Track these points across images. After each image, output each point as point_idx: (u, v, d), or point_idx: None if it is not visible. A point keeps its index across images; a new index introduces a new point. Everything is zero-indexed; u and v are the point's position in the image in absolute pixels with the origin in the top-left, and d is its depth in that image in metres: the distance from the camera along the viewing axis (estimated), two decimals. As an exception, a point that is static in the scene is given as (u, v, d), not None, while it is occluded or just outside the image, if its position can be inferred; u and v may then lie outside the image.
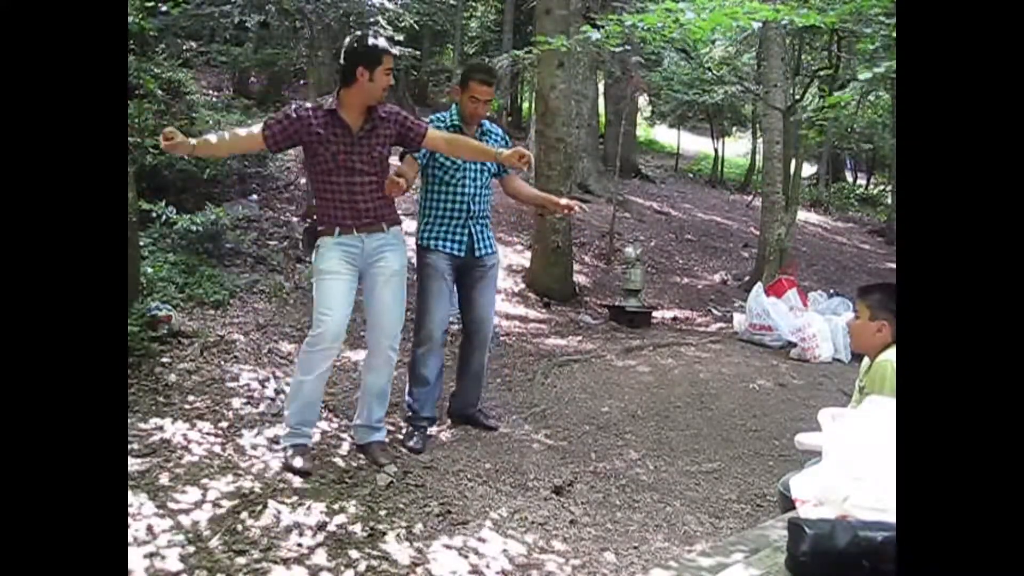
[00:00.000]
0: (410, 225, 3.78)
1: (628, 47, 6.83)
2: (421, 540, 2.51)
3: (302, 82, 9.86)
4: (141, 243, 4.57)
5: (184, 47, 9.31)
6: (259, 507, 2.56)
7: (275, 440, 3.13)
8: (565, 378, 4.67)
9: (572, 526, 2.78)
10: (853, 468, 1.53)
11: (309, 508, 2.60)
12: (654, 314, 6.94)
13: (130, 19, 4.14)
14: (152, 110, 5.54)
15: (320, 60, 7.08)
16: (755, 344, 6.07)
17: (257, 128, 2.96)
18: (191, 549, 2.27)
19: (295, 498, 2.66)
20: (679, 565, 1.92)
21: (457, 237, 3.46)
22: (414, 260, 3.59)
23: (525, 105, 16.68)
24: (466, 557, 2.45)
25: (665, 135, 19.96)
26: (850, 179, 20.09)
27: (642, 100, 16.48)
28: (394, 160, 3.29)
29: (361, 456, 3.08)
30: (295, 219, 6.37)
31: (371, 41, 2.90)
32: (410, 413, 3.48)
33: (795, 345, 5.88)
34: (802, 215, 12.55)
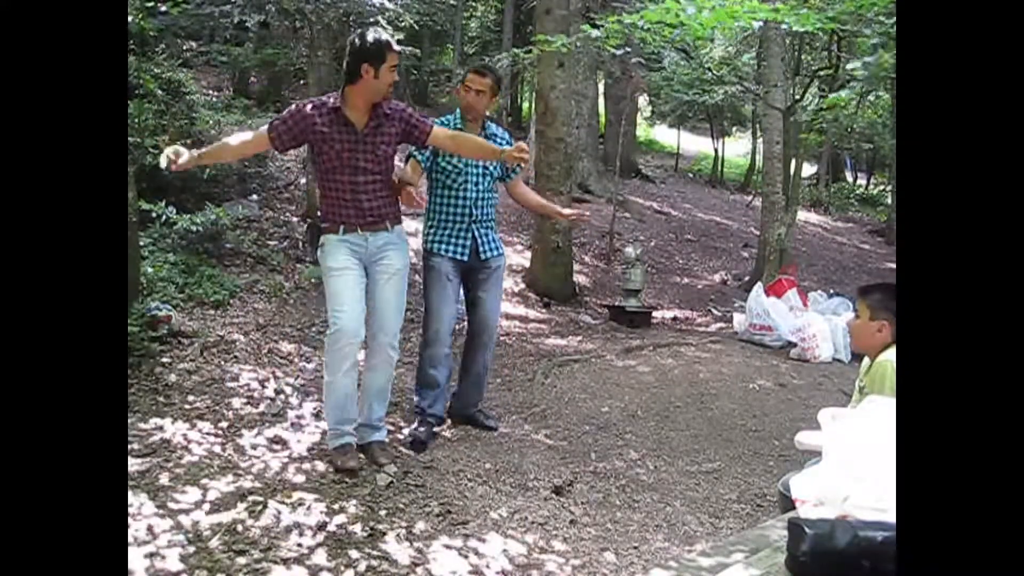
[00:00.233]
0: (410, 225, 3.78)
1: (628, 47, 6.83)
2: (421, 540, 2.51)
3: (302, 82, 9.85)
4: (141, 243, 4.57)
5: (184, 47, 9.32)
6: (259, 507, 2.56)
7: (275, 440, 3.14)
8: (565, 378, 4.67)
9: (572, 526, 2.78)
10: (853, 468, 1.53)
11: (309, 508, 2.60)
12: (654, 314, 6.94)
13: (130, 19, 4.14)
14: (152, 110, 5.53)
15: (320, 60, 7.07)
16: (755, 344, 6.07)
17: (263, 130, 2.98)
18: (191, 549, 2.27)
19: (295, 498, 2.66)
20: (679, 565, 1.92)
21: (461, 241, 3.47)
22: (418, 261, 3.59)
23: (525, 105, 16.68)
24: (466, 557, 2.45)
25: (665, 135, 19.96)
26: (850, 179, 20.08)
27: (642, 100, 16.48)
28: (398, 163, 3.29)
29: (361, 456, 3.08)
30: (295, 219, 6.37)
31: (376, 37, 2.90)
32: (419, 411, 3.51)
33: (795, 345, 5.88)
34: (802, 215, 12.55)
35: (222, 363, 3.86)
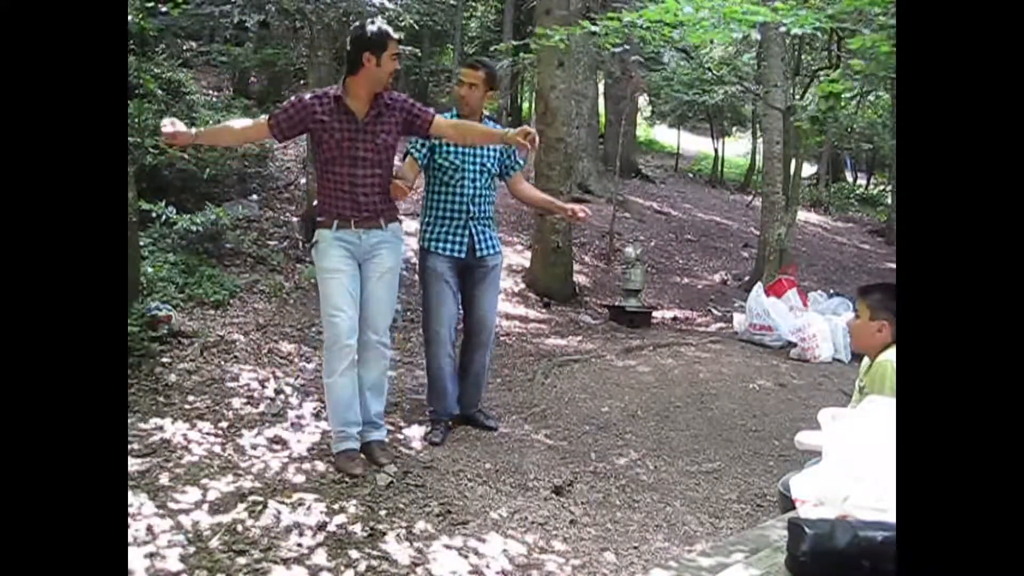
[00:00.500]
0: (411, 225, 3.78)
1: (628, 47, 6.83)
2: (421, 540, 2.51)
3: (302, 82, 9.85)
4: (141, 243, 4.57)
5: (184, 47, 9.32)
6: (259, 507, 2.56)
7: (275, 440, 3.14)
8: (565, 378, 4.67)
9: (572, 526, 2.78)
10: (853, 468, 1.53)
11: (309, 508, 2.60)
12: (654, 314, 6.94)
13: (130, 19, 4.14)
14: (152, 110, 5.54)
15: (320, 60, 7.07)
16: (755, 344, 6.07)
17: (263, 118, 2.98)
18: (191, 549, 2.27)
19: (295, 498, 2.66)
20: (679, 565, 1.92)
21: (457, 238, 3.46)
22: (414, 259, 3.59)
23: (525, 105, 16.68)
24: (466, 557, 2.45)
25: (665, 135, 19.95)
26: (850, 179, 20.08)
27: (642, 100, 16.48)
28: (397, 162, 3.29)
29: (361, 455, 3.08)
30: (295, 219, 6.37)
31: (376, 27, 2.91)
32: (431, 411, 3.55)
33: (795, 345, 5.88)
34: (802, 215, 12.55)
35: (222, 363, 3.86)
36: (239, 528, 2.42)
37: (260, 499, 2.61)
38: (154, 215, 4.90)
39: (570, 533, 2.72)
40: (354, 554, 2.37)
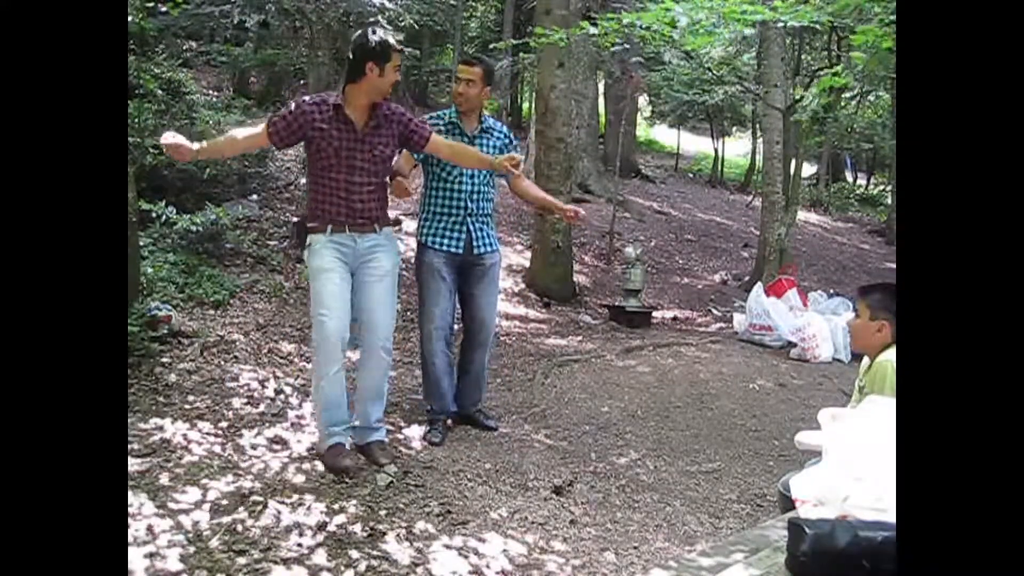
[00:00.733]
0: (409, 226, 3.77)
1: (628, 47, 6.83)
2: (421, 540, 2.51)
3: (302, 82, 9.86)
4: (141, 243, 4.57)
5: (184, 47, 9.32)
6: (259, 507, 2.56)
7: (275, 440, 3.13)
8: (565, 378, 4.67)
9: (572, 526, 2.78)
10: (853, 468, 1.53)
11: (309, 508, 2.60)
12: (654, 314, 6.94)
13: (130, 19, 4.14)
14: (152, 110, 5.54)
15: (320, 60, 7.08)
16: (755, 344, 6.08)
17: (261, 126, 2.96)
18: (191, 549, 2.27)
19: (295, 498, 2.66)
20: (679, 565, 1.92)
21: (455, 234, 3.45)
22: (411, 258, 3.58)
23: (525, 105, 16.68)
24: (466, 557, 2.45)
25: (665, 135, 19.96)
26: (850, 179, 20.09)
27: (642, 100, 16.49)
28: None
29: (361, 456, 3.08)
30: (295, 219, 6.37)
31: (380, 37, 2.90)
32: (428, 409, 3.53)
33: (795, 345, 5.88)
34: (802, 215, 12.55)
35: (222, 363, 3.86)
36: (239, 528, 2.42)
37: (260, 499, 2.61)
38: (154, 215, 4.90)
39: (570, 533, 2.72)
40: (354, 554, 2.37)
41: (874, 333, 2.34)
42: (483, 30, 16.69)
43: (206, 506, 2.54)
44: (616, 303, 6.74)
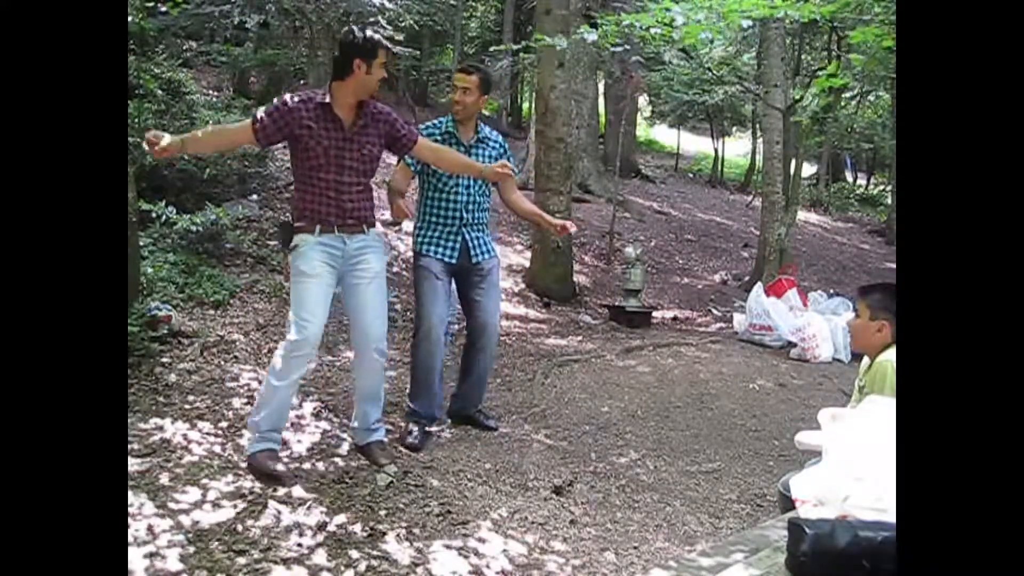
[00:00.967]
0: (406, 226, 3.77)
1: (628, 47, 6.83)
2: (421, 540, 2.51)
3: (302, 82, 9.85)
4: (141, 243, 4.57)
5: (184, 47, 9.31)
6: (259, 507, 2.56)
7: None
8: (565, 378, 4.67)
9: (572, 526, 2.78)
10: (853, 468, 1.53)
11: (309, 508, 2.60)
12: (654, 314, 6.94)
13: (130, 19, 4.14)
14: (152, 110, 5.53)
15: (320, 60, 7.08)
16: (755, 344, 6.08)
17: (248, 121, 2.86)
18: (191, 549, 2.27)
19: (295, 498, 2.66)
20: (679, 565, 1.92)
21: (450, 244, 3.43)
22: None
23: (525, 105, 16.68)
24: (466, 557, 2.45)
25: (665, 135, 19.97)
26: (850, 179, 20.10)
27: (642, 100, 16.50)
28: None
29: (361, 456, 3.08)
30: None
31: (368, 34, 2.86)
32: (409, 411, 3.48)
33: (795, 345, 5.88)
34: (802, 215, 12.56)
35: (222, 363, 3.86)
36: (239, 528, 2.42)
37: (260, 499, 2.61)
38: (154, 215, 4.90)
39: (570, 533, 2.72)
40: (354, 554, 2.37)
41: (874, 333, 2.34)
42: (483, 30, 16.70)
43: (206, 506, 2.53)
44: (616, 303, 6.75)
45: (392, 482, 2.88)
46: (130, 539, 2.25)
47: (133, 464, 2.72)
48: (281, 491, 2.69)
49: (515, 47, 6.88)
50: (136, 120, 4.93)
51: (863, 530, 1.36)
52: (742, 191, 15.42)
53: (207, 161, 5.75)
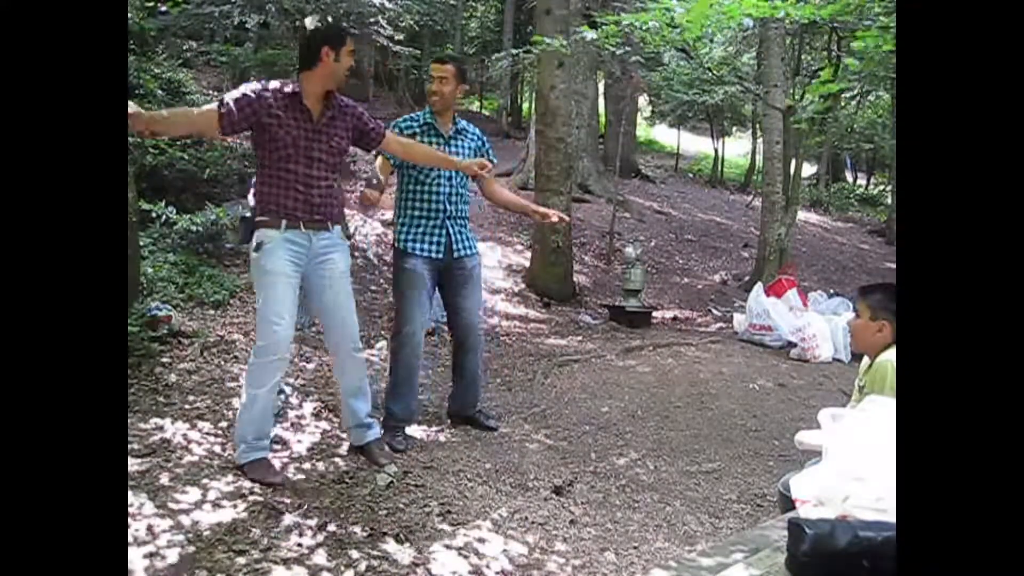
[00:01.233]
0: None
1: (628, 47, 6.84)
2: (421, 540, 2.51)
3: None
4: (141, 243, 4.57)
5: (184, 47, 9.31)
6: (259, 507, 2.56)
7: (275, 440, 3.13)
8: (565, 378, 4.67)
9: (572, 526, 2.78)
10: (853, 468, 1.53)
11: (309, 508, 2.60)
12: (654, 314, 6.94)
13: (130, 19, 4.14)
14: (152, 110, 5.53)
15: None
16: (755, 344, 6.08)
17: (212, 106, 2.74)
18: (191, 549, 2.27)
19: (295, 498, 2.66)
20: (679, 565, 1.92)
21: (435, 238, 3.39)
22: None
23: (525, 105, 16.68)
24: (466, 557, 2.45)
25: (665, 135, 19.97)
26: (850, 179, 20.10)
27: (642, 100, 16.49)
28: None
29: (361, 456, 3.09)
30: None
31: (334, 22, 2.84)
32: (385, 415, 3.40)
33: (795, 345, 5.88)
34: (802, 215, 12.55)
35: (222, 363, 3.85)
36: (239, 528, 2.42)
37: (260, 499, 2.61)
38: (154, 215, 4.90)
39: (570, 533, 2.72)
40: (354, 554, 2.37)
41: (874, 333, 2.34)
42: (483, 30, 16.70)
43: (206, 506, 2.53)
44: (616, 303, 6.75)
45: (392, 482, 2.88)
46: (130, 539, 2.26)
47: (133, 464, 2.72)
48: (281, 491, 2.69)
49: (515, 52, 6.89)
50: (136, 120, 4.93)
51: (863, 530, 1.36)
52: (742, 191, 15.42)
53: (207, 161, 5.75)
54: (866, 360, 2.43)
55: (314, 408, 3.54)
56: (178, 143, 5.58)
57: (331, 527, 2.51)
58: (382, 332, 4.93)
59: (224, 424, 3.22)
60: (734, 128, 18.62)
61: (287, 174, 2.76)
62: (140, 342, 3.62)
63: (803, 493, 1.61)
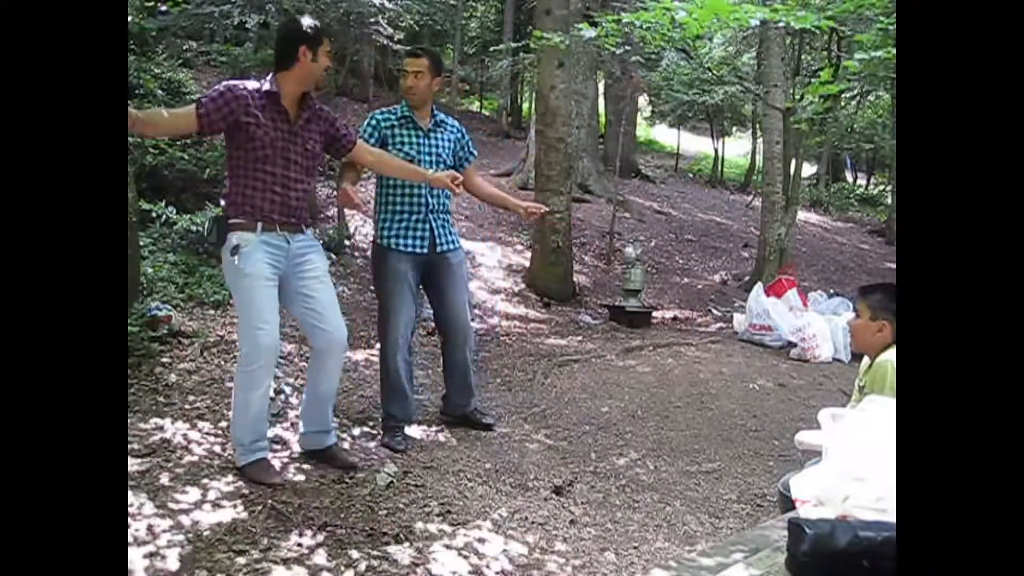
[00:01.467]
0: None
1: (628, 47, 6.84)
2: (421, 540, 2.51)
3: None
4: (141, 243, 4.57)
5: (184, 47, 9.31)
6: (259, 507, 2.56)
7: (275, 440, 3.13)
8: (565, 378, 4.67)
9: (572, 526, 2.78)
10: (853, 468, 1.53)
11: (309, 508, 2.60)
12: (654, 314, 6.94)
13: (130, 19, 4.14)
14: (147, 109, 5.53)
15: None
16: (755, 344, 6.08)
17: (191, 106, 2.70)
18: (191, 549, 2.27)
19: (295, 498, 2.66)
20: (679, 565, 1.91)
21: (418, 233, 3.34)
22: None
23: (525, 105, 16.68)
24: (466, 557, 2.45)
25: (665, 135, 19.96)
26: (850, 179, 20.10)
27: (642, 100, 16.49)
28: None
29: (361, 456, 3.08)
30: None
31: (311, 22, 2.80)
32: (385, 416, 3.40)
33: (795, 345, 5.88)
34: (802, 215, 12.55)
35: (222, 363, 3.86)
36: (239, 528, 2.42)
37: (260, 499, 2.61)
38: (154, 215, 4.90)
39: (570, 533, 2.72)
40: (354, 554, 2.36)
41: (875, 333, 2.34)
42: (483, 30, 16.69)
43: (206, 506, 2.53)
44: (616, 303, 6.75)
45: (392, 482, 2.88)
46: (130, 539, 2.25)
47: (133, 464, 2.72)
48: (281, 492, 2.69)
49: (515, 45, 6.89)
50: (136, 120, 4.93)
51: (863, 530, 1.36)
52: (742, 191, 15.42)
53: (207, 161, 5.75)
54: (866, 360, 2.43)
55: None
56: (178, 143, 5.58)
57: (331, 527, 2.51)
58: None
59: (224, 424, 3.22)
60: (734, 128, 18.62)
61: (265, 175, 2.72)
62: (140, 342, 3.62)
63: (803, 493, 1.61)
